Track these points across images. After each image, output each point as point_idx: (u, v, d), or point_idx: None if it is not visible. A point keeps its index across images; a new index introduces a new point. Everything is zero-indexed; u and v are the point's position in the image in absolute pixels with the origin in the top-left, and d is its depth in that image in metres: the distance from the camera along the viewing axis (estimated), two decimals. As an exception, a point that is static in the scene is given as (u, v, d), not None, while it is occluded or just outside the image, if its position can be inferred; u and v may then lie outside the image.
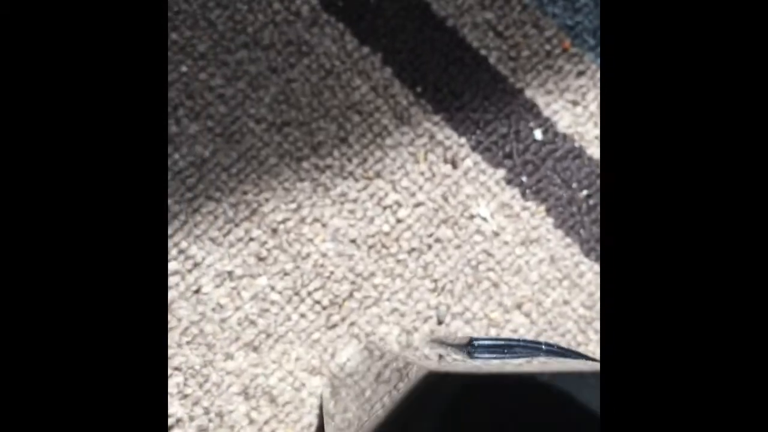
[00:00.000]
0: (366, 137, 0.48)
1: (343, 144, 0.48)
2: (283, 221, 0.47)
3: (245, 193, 0.47)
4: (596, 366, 0.25)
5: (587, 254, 0.48)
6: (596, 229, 0.48)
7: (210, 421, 0.45)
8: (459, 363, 0.28)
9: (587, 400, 0.21)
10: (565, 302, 0.48)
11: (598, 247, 0.48)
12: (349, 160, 0.48)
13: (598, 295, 0.48)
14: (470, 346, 0.34)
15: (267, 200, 0.47)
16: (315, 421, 0.46)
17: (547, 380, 0.22)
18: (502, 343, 0.35)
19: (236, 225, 0.47)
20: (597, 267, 0.48)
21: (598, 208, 0.48)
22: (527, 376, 0.22)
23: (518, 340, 0.35)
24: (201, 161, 0.47)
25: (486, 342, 0.35)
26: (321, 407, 0.46)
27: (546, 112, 0.49)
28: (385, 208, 0.48)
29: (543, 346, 0.35)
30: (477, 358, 0.32)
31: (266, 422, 0.45)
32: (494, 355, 0.32)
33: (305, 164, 0.48)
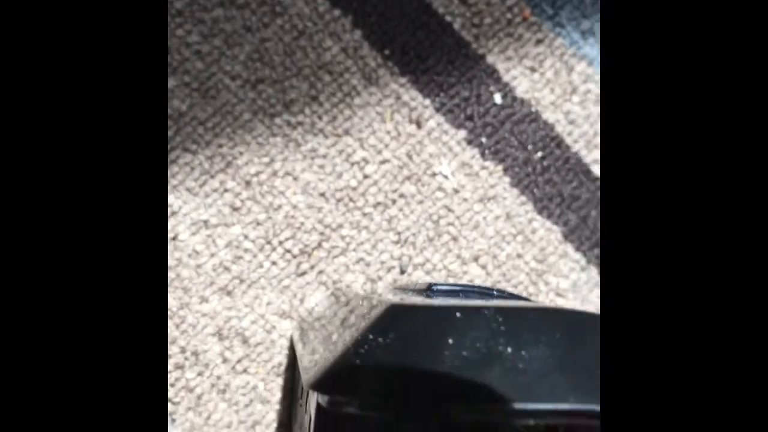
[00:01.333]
0: (336, 96, 0.51)
1: (314, 102, 0.51)
2: (257, 174, 0.50)
3: (220, 146, 0.49)
4: (537, 304, 0.29)
5: (540, 212, 0.52)
6: (549, 189, 0.52)
7: (186, 359, 0.48)
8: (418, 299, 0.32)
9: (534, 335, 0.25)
10: (519, 256, 0.51)
11: (551, 206, 0.52)
12: (320, 117, 0.51)
13: (549, 249, 0.52)
14: (429, 291, 0.38)
15: (241, 154, 0.50)
16: (284, 361, 0.49)
17: (495, 313, 0.25)
18: (458, 288, 0.38)
19: (212, 176, 0.49)
20: (548, 224, 0.52)
21: (552, 168, 0.52)
22: (481, 309, 0.25)
23: (473, 286, 0.39)
24: (178, 115, 0.49)
25: (444, 287, 0.38)
26: (290, 348, 0.50)
27: (505, 78, 0.52)
28: (353, 164, 0.51)
29: (494, 292, 0.39)
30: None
31: (239, 361, 0.49)
32: (450, 298, 0.36)
33: (278, 120, 0.50)
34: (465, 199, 0.51)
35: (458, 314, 0.25)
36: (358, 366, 0.25)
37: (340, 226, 0.50)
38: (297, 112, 0.50)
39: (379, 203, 0.51)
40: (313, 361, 0.35)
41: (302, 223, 0.50)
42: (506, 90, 0.52)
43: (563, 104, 0.52)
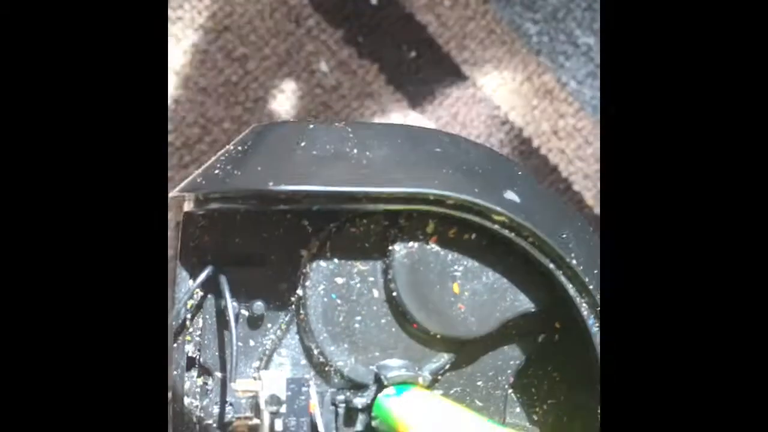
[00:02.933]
0: (216, -7, 0.52)
1: (194, -2, 0.52)
2: (137, 67, 0.50)
3: (99, 39, 0.50)
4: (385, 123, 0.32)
5: (414, 108, 0.55)
6: (422, 87, 0.55)
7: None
8: None
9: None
10: (394, 150, 0.54)
11: (424, 103, 0.55)
12: (200, 13, 0.52)
13: (422, 144, 0.55)
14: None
15: (120, 47, 0.50)
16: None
17: (345, 126, 0.28)
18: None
19: (90, 69, 0.50)
20: (422, 120, 0.55)
21: (425, 68, 0.55)
22: (334, 123, 0.28)
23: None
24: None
25: None
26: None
27: (381, -20, 0.54)
28: (234, 60, 0.52)
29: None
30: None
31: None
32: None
33: (158, 15, 0.51)
34: (343, 96, 0.54)
35: (311, 125, 0.27)
36: (219, 169, 0.27)
37: (222, 120, 0.52)
38: (176, 7, 0.51)
39: (259, 98, 0.52)
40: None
41: (184, 117, 0.51)
42: (381, -8, 0.54)
43: (435, 7, 0.55)
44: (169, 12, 0.51)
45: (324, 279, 0.27)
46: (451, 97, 0.55)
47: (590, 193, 0.56)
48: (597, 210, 0.56)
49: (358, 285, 0.27)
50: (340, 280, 0.27)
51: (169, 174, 0.51)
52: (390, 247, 0.27)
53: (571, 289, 0.26)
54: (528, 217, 0.26)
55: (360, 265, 0.27)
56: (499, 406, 0.29)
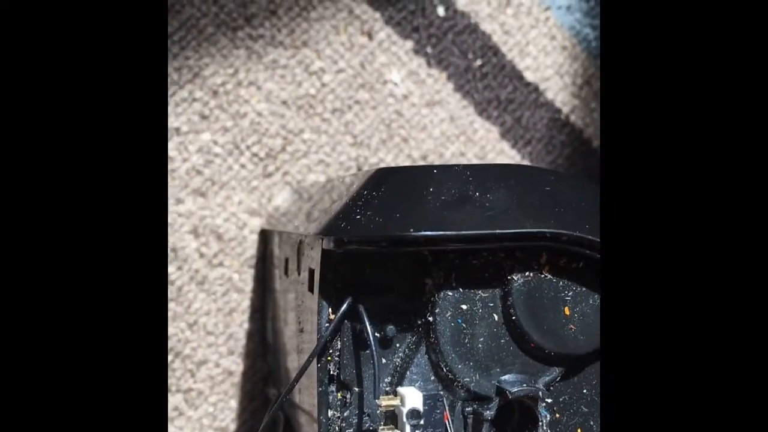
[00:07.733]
0: (293, 10, 0.55)
1: (273, 16, 0.55)
2: (222, 84, 0.54)
3: (187, 58, 0.53)
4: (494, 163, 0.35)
5: (480, 114, 0.58)
6: (487, 93, 0.58)
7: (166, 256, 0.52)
8: None
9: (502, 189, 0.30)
10: (462, 154, 0.58)
11: (489, 108, 0.58)
12: (279, 30, 0.55)
13: (488, 147, 0.58)
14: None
15: (207, 65, 0.53)
16: (255, 254, 0.55)
17: (464, 169, 0.31)
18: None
19: (180, 87, 0.53)
20: (487, 125, 0.58)
21: (490, 75, 0.58)
22: (452, 166, 0.31)
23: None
24: (146, 29, 0.52)
25: None
26: (260, 243, 0.55)
27: (447, -8, 0.57)
28: (311, 73, 0.55)
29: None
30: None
31: (215, 255, 0.54)
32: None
33: (240, 33, 0.54)
34: (413, 104, 0.57)
35: (435, 171, 0.31)
36: (356, 212, 0.30)
37: (302, 131, 0.55)
38: (257, 25, 0.54)
39: (336, 109, 0.56)
40: (306, 228, 0.39)
41: (267, 129, 0.55)
42: (448, 3, 0.57)
43: (499, 16, 0.58)
44: (251, 30, 0.54)
45: (451, 306, 0.31)
46: (515, 102, 0.58)
47: (648, 191, 0.59)
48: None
49: (480, 310, 0.31)
50: (464, 307, 0.31)
51: (254, 183, 0.54)
52: (508, 277, 0.30)
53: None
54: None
55: (481, 293, 0.31)
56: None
